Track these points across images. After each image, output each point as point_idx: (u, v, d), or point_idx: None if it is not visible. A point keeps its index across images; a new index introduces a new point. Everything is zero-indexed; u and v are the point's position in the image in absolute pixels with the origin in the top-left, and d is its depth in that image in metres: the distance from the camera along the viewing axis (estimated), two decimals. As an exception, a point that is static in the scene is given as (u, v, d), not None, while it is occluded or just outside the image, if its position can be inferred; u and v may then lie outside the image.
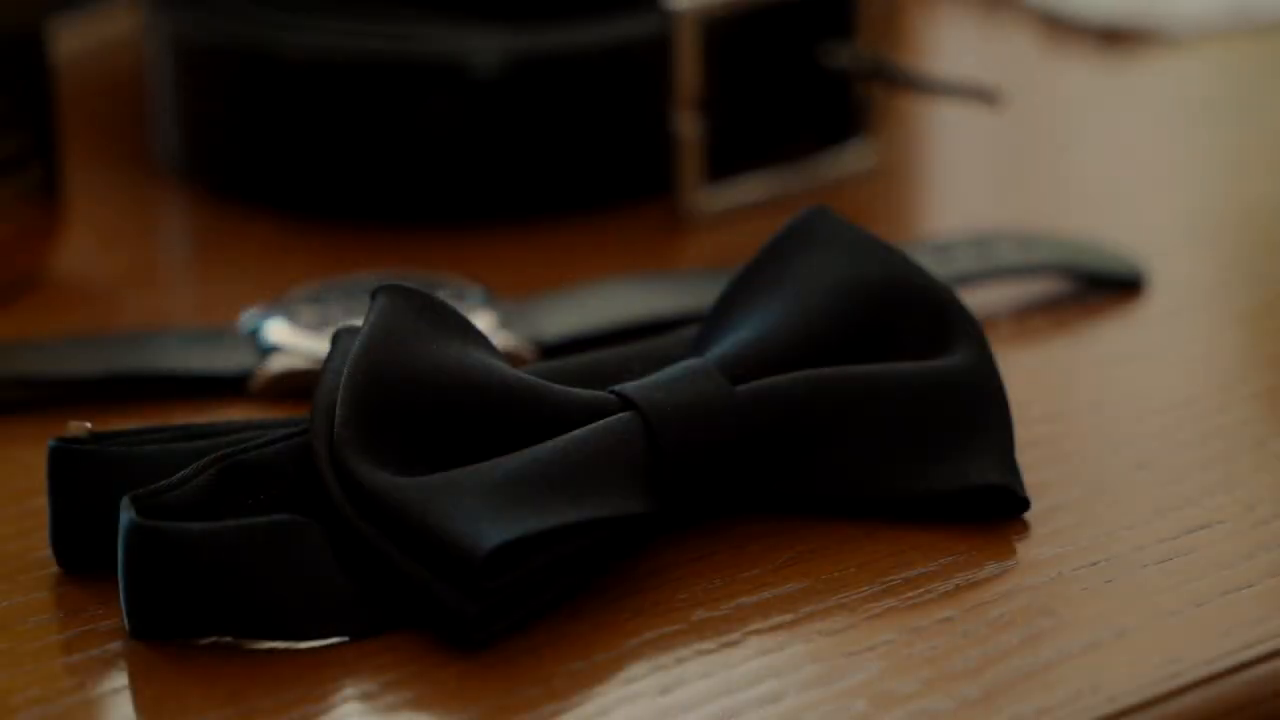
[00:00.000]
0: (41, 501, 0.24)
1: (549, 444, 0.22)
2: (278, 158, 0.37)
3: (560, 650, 0.22)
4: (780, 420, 0.24)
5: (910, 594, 0.24)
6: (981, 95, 0.37)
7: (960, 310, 0.26)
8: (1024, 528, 0.25)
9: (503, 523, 0.21)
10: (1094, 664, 0.22)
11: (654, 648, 0.23)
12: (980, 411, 0.25)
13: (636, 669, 0.22)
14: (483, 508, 0.21)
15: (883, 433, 0.24)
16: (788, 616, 0.23)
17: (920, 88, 0.38)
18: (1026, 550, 0.25)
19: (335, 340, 0.24)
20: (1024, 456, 0.26)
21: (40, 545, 0.25)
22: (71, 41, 0.41)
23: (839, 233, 0.26)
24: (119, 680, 0.23)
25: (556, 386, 0.24)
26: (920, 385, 0.24)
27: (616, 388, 0.24)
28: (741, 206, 0.36)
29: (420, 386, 0.23)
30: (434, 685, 0.23)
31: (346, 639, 0.23)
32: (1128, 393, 0.31)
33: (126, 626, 0.23)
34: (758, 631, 0.23)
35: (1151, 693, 0.21)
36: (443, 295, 0.25)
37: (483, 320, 0.28)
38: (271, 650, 0.23)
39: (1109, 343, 0.33)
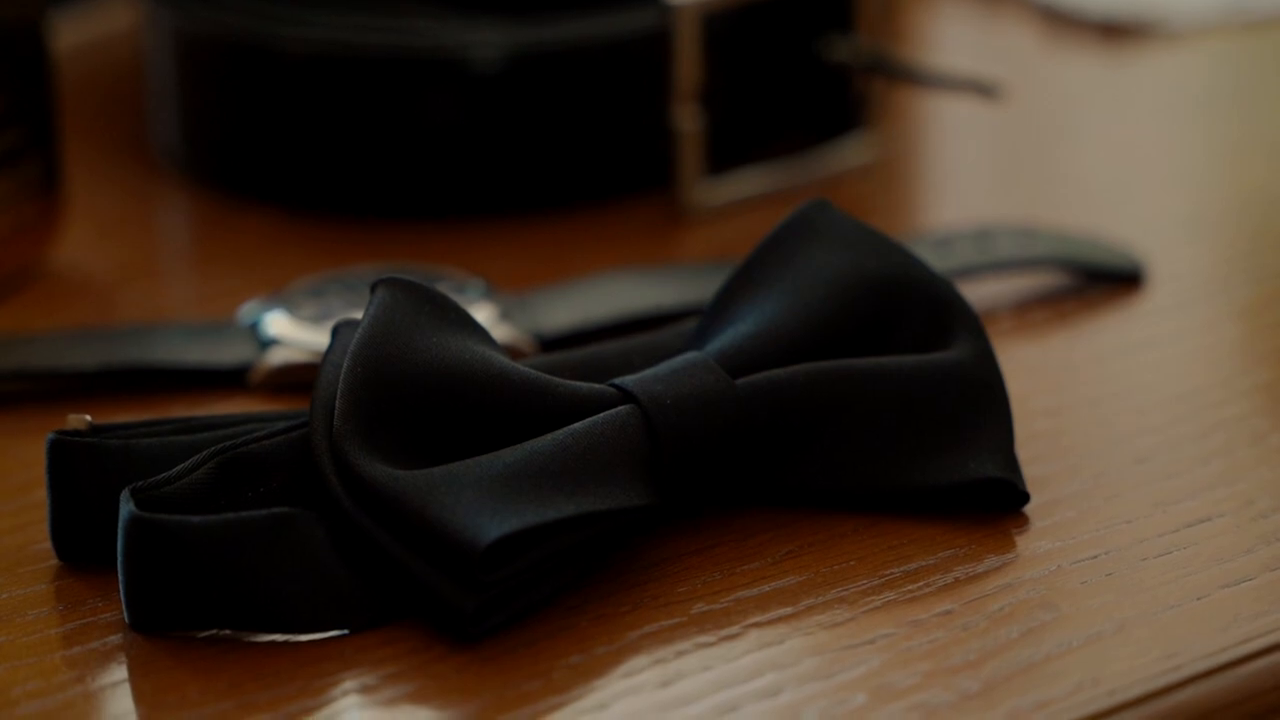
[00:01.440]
0: (41, 494, 0.24)
1: (548, 437, 0.22)
2: (277, 152, 0.37)
3: (560, 643, 0.22)
4: (779, 413, 0.24)
5: (910, 587, 0.24)
6: (981, 89, 0.37)
7: (960, 304, 0.26)
8: (1024, 521, 0.25)
9: (502, 516, 0.21)
10: (1093, 657, 0.22)
11: (654, 641, 0.23)
12: (980, 405, 0.25)
13: (636, 662, 0.22)
14: (482, 501, 0.21)
15: (882, 426, 0.24)
16: (787, 610, 0.23)
17: (920, 81, 0.38)
18: (1026, 544, 0.25)
19: (335, 333, 0.24)
20: (1024, 450, 0.26)
21: (40, 538, 0.25)
22: (71, 35, 0.41)
23: (839, 226, 0.26)
24: (118, 673, 0.23)
25: (556, 380, 0.24)
26: (920, 379, 0.24)
27: (616, 381, 0.24)
28: (741, 200, 0.36)
29: (420, 379, 0.23)
30: (433, 679, 0.23)
31: (346, 632, 0.23)
32: (1128, 387, 0.31)
33: (126, 619, 0.23)
34: (757, 625, 0.23)
35: (1151, 686, 0.21)
36: (443, 288, 0.25)
37: (483, 313, 0.28)
38: (271, 643, 0.23)
39: (1109, 336, 0.33)
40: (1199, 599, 0.23)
